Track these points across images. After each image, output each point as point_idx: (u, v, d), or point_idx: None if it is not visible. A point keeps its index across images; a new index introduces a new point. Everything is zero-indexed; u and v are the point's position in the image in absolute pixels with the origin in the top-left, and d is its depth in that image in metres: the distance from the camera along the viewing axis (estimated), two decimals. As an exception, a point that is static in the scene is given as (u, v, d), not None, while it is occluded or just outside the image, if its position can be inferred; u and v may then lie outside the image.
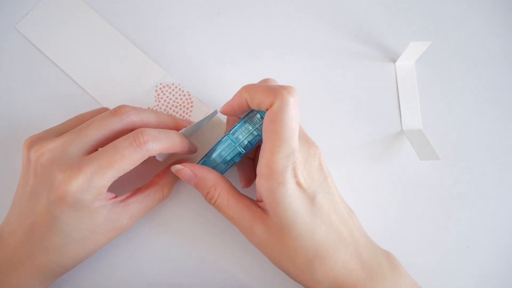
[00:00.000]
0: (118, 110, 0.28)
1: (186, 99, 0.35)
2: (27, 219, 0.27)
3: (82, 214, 0.26)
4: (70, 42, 0.37)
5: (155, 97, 0.36)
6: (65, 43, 0.37)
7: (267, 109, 0.26)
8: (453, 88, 0.37)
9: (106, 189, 0.27)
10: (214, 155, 0.29)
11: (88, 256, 0.29)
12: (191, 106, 0.35)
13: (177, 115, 0.35)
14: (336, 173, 0.33)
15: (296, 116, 0.25)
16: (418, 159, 0.34)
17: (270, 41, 0.38)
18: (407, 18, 0.38)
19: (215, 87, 0.37)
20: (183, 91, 0.35)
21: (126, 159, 0.26)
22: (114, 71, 0.37)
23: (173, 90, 0.36)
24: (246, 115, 0.29)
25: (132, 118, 0.28)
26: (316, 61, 0.37)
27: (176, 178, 0.32)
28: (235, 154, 0.29)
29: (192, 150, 0.31)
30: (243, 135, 0.28)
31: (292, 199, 0.26)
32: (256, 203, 0.28)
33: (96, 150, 0.27)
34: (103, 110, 0.31)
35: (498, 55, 0.38)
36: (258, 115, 0.28)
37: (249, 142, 0.28)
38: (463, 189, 0.35)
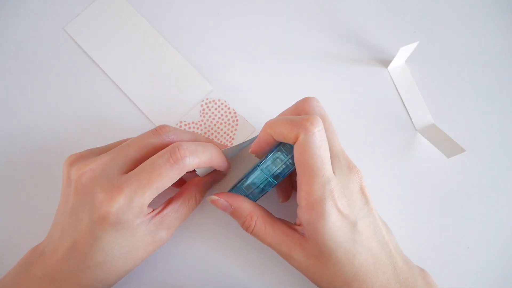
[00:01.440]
0: (159, 130, 0.29)
1: (232, 117, 0.35)
2: (69, 237, 0.27)
3: (124, 233, 0.27)
4: (117, 48, 0.37)
5: (200, 112, 0.35)
6: (113, 49, 0.37)
7: (293, 143, 0.26)
8: (450, 77, 0.37)
9: (146, 207, 0.27)
10: (246, 184, 0.29)
11: (129, 271, 0.29)
12: (236, 125, 0.35)
13: (222, 132, 0.35)
14: None
15: (324, 144, 0.26)
16: (418, 159, 0.34)
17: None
18: (395, 23, 0.39)
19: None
20: (228, 108, 0.35)
21: (163, 177, 0.26)
22: (160, 81, 0.36)
23: (218, 106, 0.35)
24: (276, 146, 0.29)
25: (172, 138, 0.29)
26: (317, 67, 0.37)
27: (208, 185, 0.33)
28: (266, 184, 0.29)
29: (228, 166, 0.31)
30: (274, 166, 0.28)
31: (332, 230, 0.26)
32: (294, 227, 0.28)
33: (136, 167, 0.27)
34: (161, 128, 0.31)
35: (489, 40, 0.38)
36: (287, 146, 0.28)
37: (280, 173, 0.28)
38: (462, 189, 0.35)
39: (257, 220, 0.28)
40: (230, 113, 0.35)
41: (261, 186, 0.29)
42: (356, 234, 0.26)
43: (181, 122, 0.35)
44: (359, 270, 0.26)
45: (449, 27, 0.38)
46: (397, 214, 0.34)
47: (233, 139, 0.34)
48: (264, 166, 0.28)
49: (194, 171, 0.31)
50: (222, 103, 0.35)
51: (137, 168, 0.26)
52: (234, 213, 0.29)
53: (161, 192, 0.27)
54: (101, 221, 0.26)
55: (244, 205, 0.29)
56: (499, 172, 0.35)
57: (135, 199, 0.25)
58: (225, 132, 0.35)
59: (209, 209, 0.34)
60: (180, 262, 0.33)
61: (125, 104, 0.36)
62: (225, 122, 0.35)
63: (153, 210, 0.29)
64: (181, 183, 0.33)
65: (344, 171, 0.27)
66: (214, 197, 0.29)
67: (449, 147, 0.31)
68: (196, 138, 0.30)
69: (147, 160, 0.27)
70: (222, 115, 0.35)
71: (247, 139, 0.34)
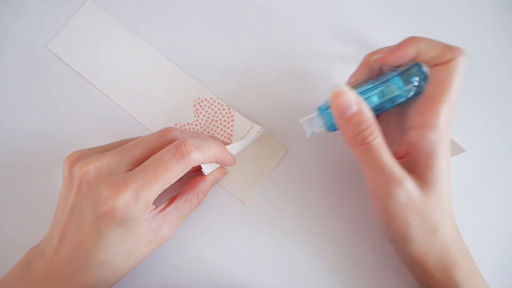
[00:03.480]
0: (166, 132, 0.29)
1: (226, 113, 0.35)
2: (71, 237, 0.27)
3: (128, 230, 0.27)
4: (102, 59, 0.37)
5: (194, 112, 0.35)
6: (98, 61, 0.37)
7: (437, 64, 0.26)
8: None
9: (152, 203, 0.27)
10: (374, 93, 0.27)
11: (131, 270, 0.29)
12: (232, 121, 0.35)
13: (219, 130, 0.35)
14: (348, 180, 0.33)
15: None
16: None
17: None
18: (395, 23, 0.39)
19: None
20: (222, 105, 0.35)
21: (169, 171, 0.26)
22: (149, 87, 0.36)
23: (211, 104, 0.35)
24: (404, 68, 0.27)
25: (176, 136, 0.29)
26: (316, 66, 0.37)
27: (210, 184, 0.32)
28: (394, 100, 0.27)
29: (234, 162, 0.32)
30: (407, 82, 0.27)
31: (447, 157, 0.27)
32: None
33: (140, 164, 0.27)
34: (167, 129, 0.31)
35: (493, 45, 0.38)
36: (423, 69, 0.27)
37: (407, 94, 0.27)
38: (462, 188, 0.35)
39: (379, 134, 0.25)
40: (224, 109, 0.35)
41: (386, 102, 0.27)
42: (450, 172, 0.27)
43: (176, 124, 0.35)
44: (445, 210, 0.27)
45: (449, 27, 0.38)
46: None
47: (231, 135, 0.34)
48: (400, 81, 0.26)
49: (195, 170, 0.31)
50: (214, 101, 0.35)
51: (143, 164, 0.26)
52: (356, 117, 0.25)
53: (164, 190, 0.27)
54: (107, 218, 0.25)
55: (370, 113, 0.25)
56: (499, 172, 0.35)
57: (142, 195, 0.25)
58: (221, 129, 0.35)
59: (209, 209, 0.34)
60: (180, 262, 0.33)
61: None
62: (220, 120, 0.35)
63: (156, 208, 0.29)
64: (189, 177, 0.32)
65: None
66: (342, 88, 0.25)
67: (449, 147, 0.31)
68: (200, 137, 0.30)
69: (153, 156, 0.27)
70: (216, 112, 0.35)
71: (247, 135, 0.34)
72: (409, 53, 0.27)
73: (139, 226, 0.27)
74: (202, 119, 0.35)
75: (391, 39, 0.38)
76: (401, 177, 0.25)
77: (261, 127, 0.34)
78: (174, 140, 0.28)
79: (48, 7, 0.38)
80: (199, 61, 0.37)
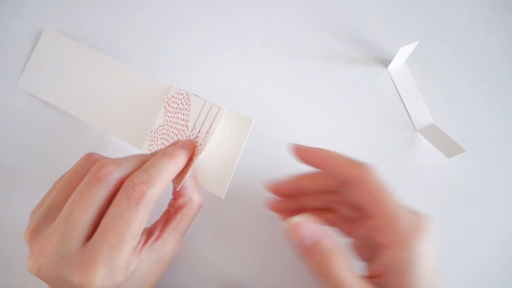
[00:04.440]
0: (97, 174, 0.24)
1: (185, 99, 0.32)
2: None
3: (124, 284, 0.24)
4: (70, 83, 0.36)
5: (164, 113, 0.33)
6: (68, 87, 0.36)
7: (351, 180, 0.25)
8: (450, 77, 0.37)
9: (131, 260, 0.24)
10: None
11: None
12: (189, 105, 0.32)
13: (179, 120, 0.32)
14: None
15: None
16: (418, 159, 0.34)
17: (269, 43, 0.38)
18: (395, 23, 0.39)
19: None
20: (182, 94, 0.32)
21: (132, 224, 0.23)
22: (122, 101, 0.35)
23: (177, 98, 0.33)
24: None
25: (116, 177, 0.24)
26: (316, 68, 0.37)
27: (188, 171, 0.27)
28: None
29: (188, 155, 0.28)
30: None
31: (427, 266, 0.24)
32: (368, 279, 0.25)
33: (94, 226, 0.23)
34: (87, 157, 0.26)
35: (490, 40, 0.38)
36: None
37: None
38: (463, 188, 0.35)
39: (339, 262, 0.23)
40: (184, 98, 0.32)
41: None
42: (437, 280, 0.24)
43: (152, 132, 0.33)
44: None
45: (449, 27, 0.38)
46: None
47: (187, 121, 0.31)
48: None
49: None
50: (179, 94, 0.32)
51: (98, 230, 0.23)
52: (313, 248, 0.24)
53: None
54: None
55: (330, 241, 0.24)
56: (499, 172, 0.35)
57: (115, 262, 0.22)
58: (181, 119, 0.32)
59: (209, 210, 0.34)
60: (180, 262, 0.33)
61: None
62: (180, 109, 0.32)
63: (148, 239, 0.26)
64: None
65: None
66: (300, 220, 0.24)
67: (449, 147, 0.31)
68: (141, 160, 0.26)
69: (106, 216, 0.23)
70: (178, 104, 0.32)
71: (207, 117, 0.30)
72: (316, 163, 0.27)
73: (135, 270, 0.24)
74: (170, 117, 0.32)
75: (391, 39, 0.38)
76: None
77: (217, 106, 0.30)
78: (116, 184, 0.24)
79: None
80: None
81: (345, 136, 0.36)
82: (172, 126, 0.32)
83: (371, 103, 0.37)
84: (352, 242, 0.28)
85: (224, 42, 0.38)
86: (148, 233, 0.27)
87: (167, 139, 0.31)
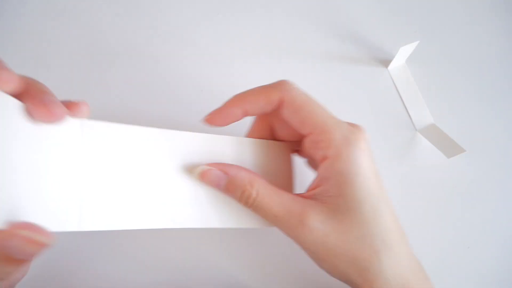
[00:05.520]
0: None
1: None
2: None
3: None
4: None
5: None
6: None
7: (276, 107, 0.25)
8: (450, 77, 0.37)
9: None
10: None
11: None
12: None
13: None
14: None
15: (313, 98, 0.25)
16: (418, 159, 0.34)
17: (267, 44, 0.38)
18: (395, 23, 0.39)
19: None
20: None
21: None
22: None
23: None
24: None
25: None
26: (315, 67, 0.37)
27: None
28: None
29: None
30: None
31: (365, 178, 0.23)
32: (303, 194, 0.25)
33: None
34: None
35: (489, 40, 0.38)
36: None
37: None
38: (463, 188, 0.35)
39: (259, 187, 0.24)
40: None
41: None
42: (381, 190, 0.24)
43: None
44: (386, 236, 0.23)
45: (449, 27, 0.38)
46: (397, 214, 0.34)
47: None
48: None
49: None
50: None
51: None
52: (230, 185, 0.24)
53: None
54: None
55: (242, 173, 0.24)
56: (499, 172, 0.35)
57: None
58: None
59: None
60: (179, 262, 0.33)
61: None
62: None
63: None
64: None
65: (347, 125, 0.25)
66: (204, 168, 0.24)
67: (449, 147, 0.31)
68: None
69: None
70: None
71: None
72: (235, 114, 0.25)
73: None
74: None
75: (391, 39, 0.38)
76: (300, 219, 0.23)
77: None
78: None
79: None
80: (207, 62, 0.37)
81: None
82: None
83: (371, 103, 0.37)
84: (305, 163, 0.29)
85: (223, 41, 0.38)
86: None
87: None
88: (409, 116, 0.36)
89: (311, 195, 0.24)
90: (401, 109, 0.36)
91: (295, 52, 0.38)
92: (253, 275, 0.33)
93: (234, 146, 0.26)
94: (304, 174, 0.30)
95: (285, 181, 0.28)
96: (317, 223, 0.23)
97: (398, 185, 0.35)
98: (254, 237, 0.34)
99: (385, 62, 0.37)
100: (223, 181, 0.24)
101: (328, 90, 0.37)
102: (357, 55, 0.37)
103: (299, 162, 0.30)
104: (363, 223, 0.23)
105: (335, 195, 0.23)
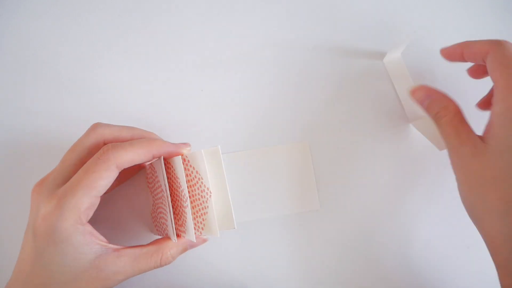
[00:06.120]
0: (92, 128, 0.28)
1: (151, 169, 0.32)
2: (18, 260, 0.26)
3: (63, 248, 0.24)
4: None
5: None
6: None
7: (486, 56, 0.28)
8: (445, 71, 0.37)
9: (82, 213, 0.25)
10: None
11: None
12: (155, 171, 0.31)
13: None
14: (344, 171, 0.34)
15: None
16: (418, 159, 0.35)
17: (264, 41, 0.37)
18: (391, 15, 0.38)
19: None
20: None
21: (90, 173, 0.25)
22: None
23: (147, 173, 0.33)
24: None
25: (103, 132, 0.28)
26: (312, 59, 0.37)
27: (181, 249, 0.29)
28: None
29: (180, 149, 0.28)
30: None
31: None
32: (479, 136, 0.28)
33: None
34: (93, 126, 0.29)
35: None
36: None
37: None
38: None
39: (450, 113, 0.28)
40: (150, 168, 0.33)
41: None
42: None
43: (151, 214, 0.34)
44: None
45: (446, 20, 0.38)
46: (395, 213, 0.34)
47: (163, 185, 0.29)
48: None
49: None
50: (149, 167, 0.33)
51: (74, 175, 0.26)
52: (430, 105, 0.29)
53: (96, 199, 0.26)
54: (37, 232, 0.25)
55: (444, 98, 0.29)
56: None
57: (66, 201, 0.24)
58: (157, 187, 0.31)
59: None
60: (180, 262, 0.32)
61: None
62: (153, 179, 0.32)
63: (109, 242, 0.27)
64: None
65: None
66: (416, 87, 0.31)
67: (441, 140, 0.30)
68: (131, 130, 0.29)
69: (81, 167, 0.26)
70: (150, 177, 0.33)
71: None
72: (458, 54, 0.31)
73: (79, 252, 0.25)
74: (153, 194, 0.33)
75: (387, 31, 0.37)
76: (465, 139, 0.27)
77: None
78: (99, 137, 0.27)
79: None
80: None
81: (339, 128, 0.35)
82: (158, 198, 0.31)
83: (365, 95, 0.36)
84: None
85: (222, 41, 0.37)
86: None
87: (163, 212, 0.30)
88: (403, 108, 0.35)
89: (484, 138, 0.27)
90: (395, 101, 0.36)
91: (290, 45, 0.37)
92: (253, 275, 0.33)
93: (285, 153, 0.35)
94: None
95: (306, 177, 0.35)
96: (470, 148, 0.27)
97: (392, 176, 0.35)
98: (254, 237, 0.33)
99: (381, 55, 0.37)
100: (426, 100, 0.30)
101: (323, 82, 0.36)
102: (352, 47, 0.37)
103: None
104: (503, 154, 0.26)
105: (499, 138, 0.26)
